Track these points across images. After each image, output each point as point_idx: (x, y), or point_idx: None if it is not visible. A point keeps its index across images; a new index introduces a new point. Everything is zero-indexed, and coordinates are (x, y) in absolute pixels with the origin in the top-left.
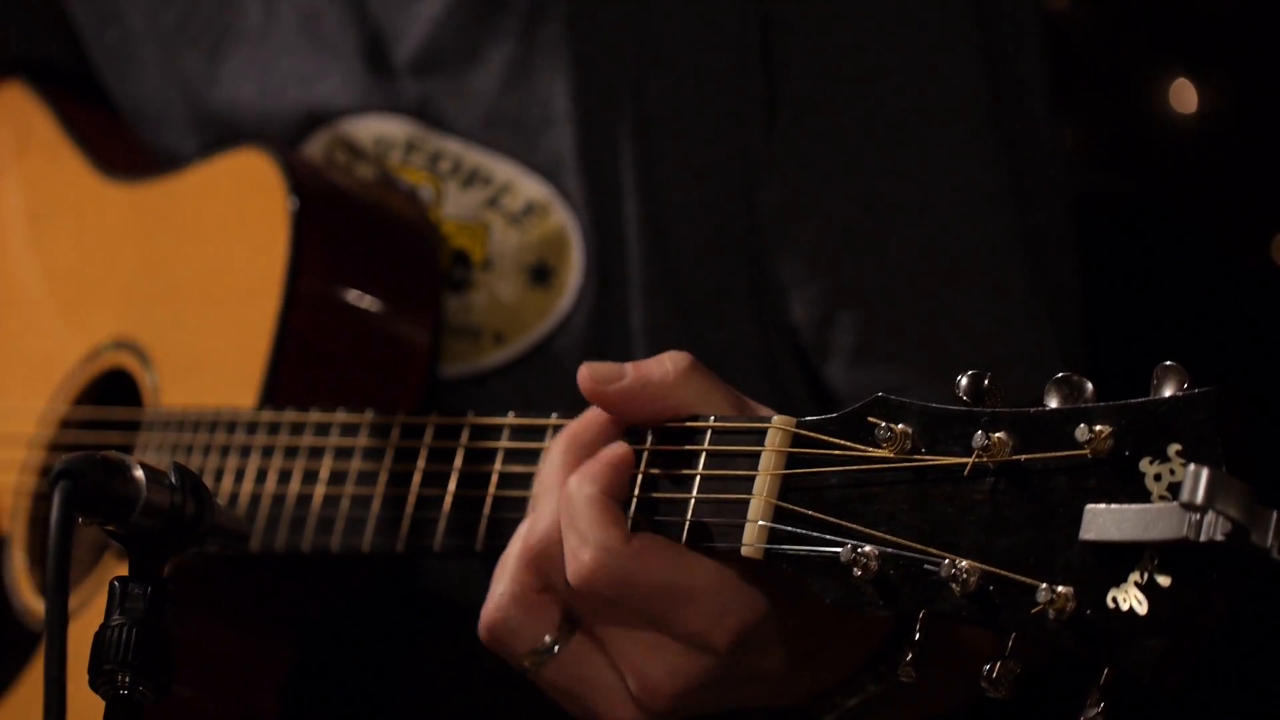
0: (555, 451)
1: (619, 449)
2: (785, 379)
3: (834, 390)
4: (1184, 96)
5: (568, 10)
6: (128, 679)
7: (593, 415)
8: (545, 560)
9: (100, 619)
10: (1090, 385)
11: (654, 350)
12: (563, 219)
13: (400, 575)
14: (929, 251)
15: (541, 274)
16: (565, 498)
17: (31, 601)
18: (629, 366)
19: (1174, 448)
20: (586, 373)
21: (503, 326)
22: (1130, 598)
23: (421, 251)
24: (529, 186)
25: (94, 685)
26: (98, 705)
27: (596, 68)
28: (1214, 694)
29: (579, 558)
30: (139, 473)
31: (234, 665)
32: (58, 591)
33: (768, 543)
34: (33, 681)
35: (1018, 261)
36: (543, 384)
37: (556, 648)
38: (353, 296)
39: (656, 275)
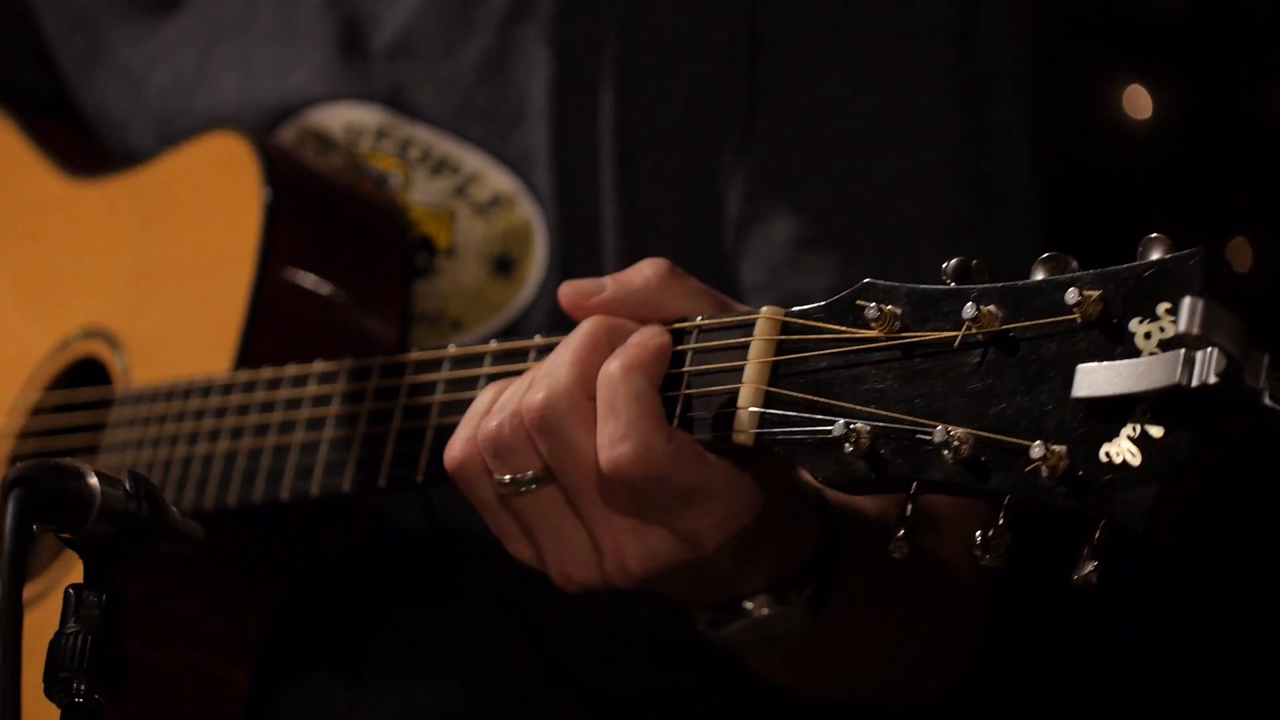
0: (585, 329)
1: (664, 338)
2: None
3: None
4: (1138, 102)
5: (551, 8)
6: (83, 687)
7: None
8: (551, 422)
9: (52, 620)
10: (1075, 261)
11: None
12: (529, 213)
13: (369, 538)
14: (889, 274)
15: (504, 265)
16: (607, 381)
17: None
18: (609, 279)
19: (1163, 306)
20: (567, 289)
21: (462, 313)
22: (1123, 450)
23: (390, 233)
24: (496, 178)
25: (49, 694)
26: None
27: (577, 66)
28: (1206, 543)
29: (617, 448)
30: (93, 479)
31: (208, 633)
32: (12, 599)
33: (759, 428)
34: None
35: None
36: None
37: (536, 485)
38: (324, 272)
39: None
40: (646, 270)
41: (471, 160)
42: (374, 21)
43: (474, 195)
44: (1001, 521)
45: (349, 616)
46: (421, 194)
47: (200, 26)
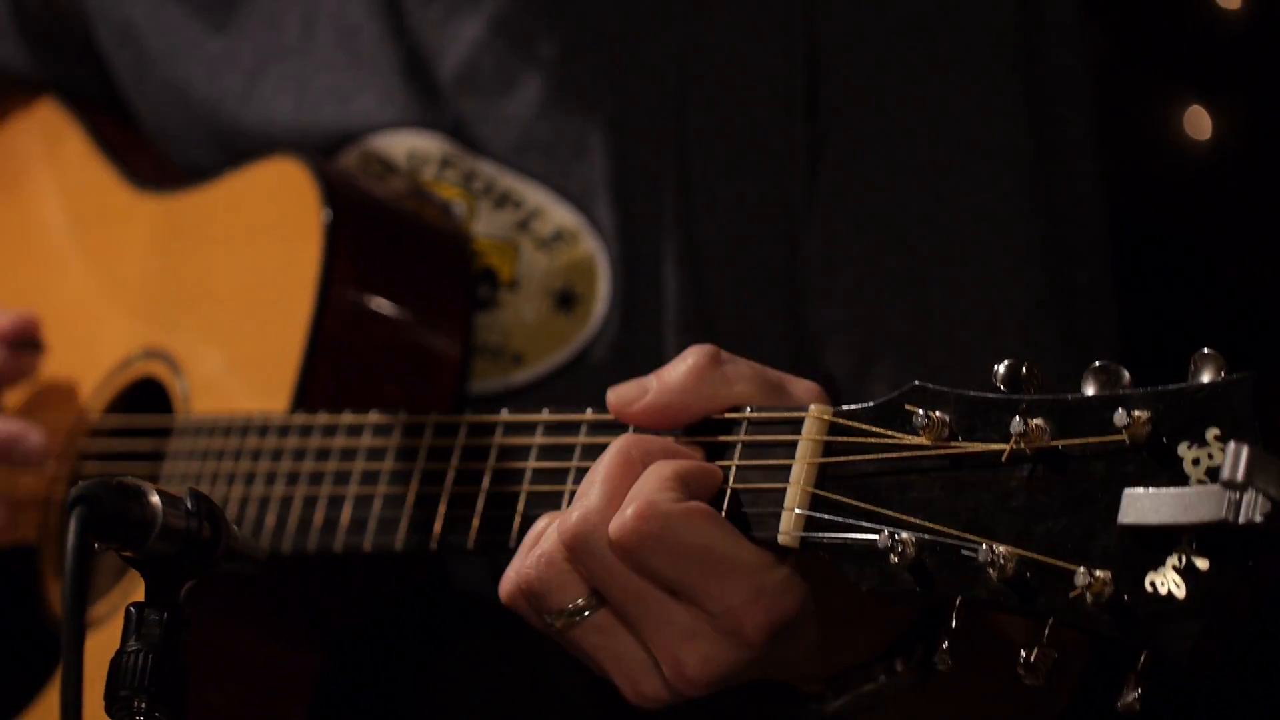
0: (615, 448)
1: (713, 469)
2: None
3: None
4: (1199, 123)
5: (608, 43)
6: (144, 705)
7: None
8: (584, 541)
9: (113, 638)
10: (1127, 373)
11: None
12: (591, 248)
13: (427, 580)
14: (965, 304)
15: (566, 300)
16: (639, 479)
17: (59, 612)
18: (652, 379)
19: (1212, 432)
20: (612, 398)
21: (523, 348)
22: (1168, 581)
23: (454, 262)
24: (559, 213)
25: (110, 712)
26: None
27: (635, 101)
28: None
29: (623, 513)
30: (155, 498)
31: (264, 672)
32: (74, 618)
33: (804, 531)
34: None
35: (1054, 317)
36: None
37: (588, 612)
38: (385, 304)
39: (691, 312)
40: (689, 361)
41: (534, 195)
42: (437, 55)
43: (537, 230)
44: (1046, 642)
45: (406, 659)
46: (485, 225)
47: (248, 48)
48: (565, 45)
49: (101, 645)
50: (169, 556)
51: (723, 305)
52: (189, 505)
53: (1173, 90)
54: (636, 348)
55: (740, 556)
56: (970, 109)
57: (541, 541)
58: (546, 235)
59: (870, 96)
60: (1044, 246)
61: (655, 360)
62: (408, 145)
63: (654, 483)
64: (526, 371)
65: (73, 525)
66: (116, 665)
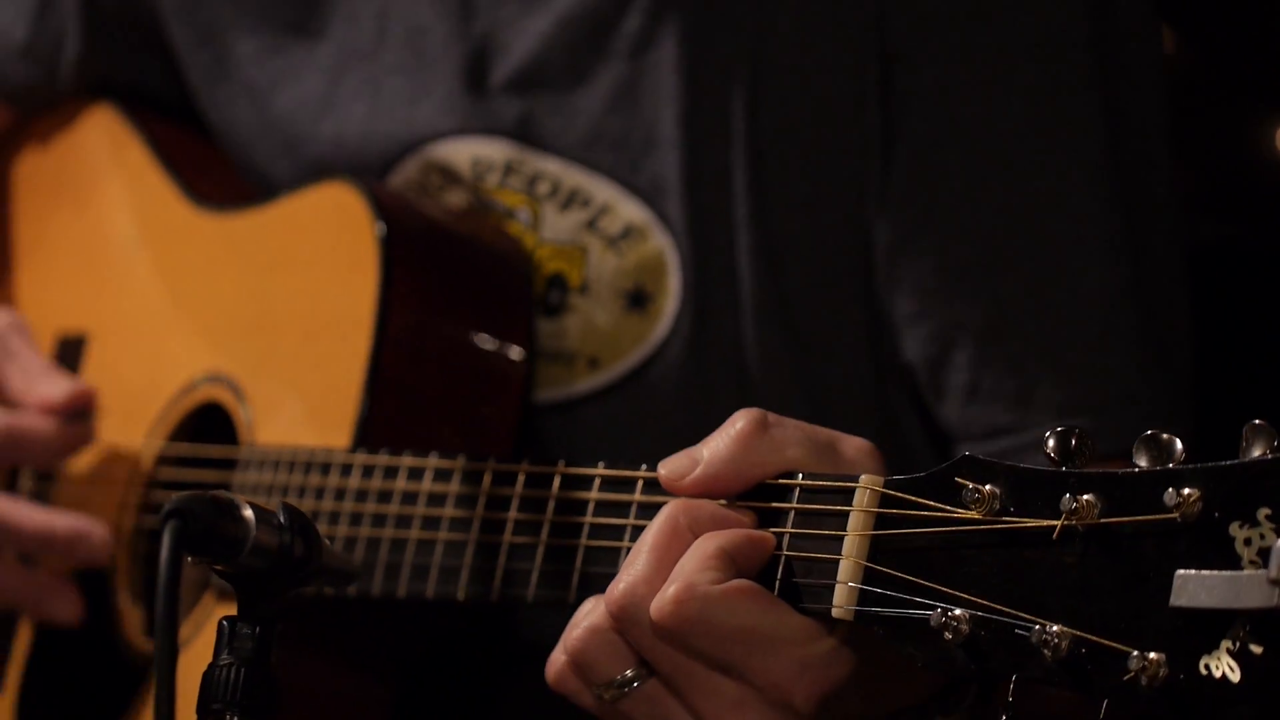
0: (662, 516)
1: (763, 537)
2: (899, 415)
3: (947, 428)
4: None
5: (679, 36)
6: (235, 718)
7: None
8: (630, 612)
9: (204, 655)
10: (1180, 444)
11: (765, 382)
12: (661, 244)
13: (495, 616)
14: (1043, 293)
15: (638, 299)
16: (684, 556)
17: (134, 637)
18: (702, 449)
19: (1264, 512)
20: (663, 472)
21: (598, 351)
22: (1223, 665)
23: (514, 282)
24: (628, 209)
25: None
26: None
27: (707, 94)
28: None
29: (664, 594)
30: (248, 512)
31: (336, 707)
32: (167, 632)
33: (858, 604)
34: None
35: (1130, 307)
36: (635, 412)
37: (637, 683)
38: (444, 330)
39: (768, 305)
40: (737, 427)
41: (602, 191)
42: (503, 51)
43: (605, 228)
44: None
45: (476, 694)
46: (551, 230)
47: (331, 52)
48: (636, 37)
49: (179, 670)
50: (261, 571)
51: (800, 298)
52: (282, 520)
53: (1266, 107)
54: (712, 344)
55: (783, 632)
56: (1044, 97)
57: (590, 614)
58: (615, 233)
59: (944, 86)
60: (1121, 237)
61: (732, 355)
62: (471, 152)
63: (696, 562)
64: (604, 374)
65: (166, 539)
66: (209, 678)
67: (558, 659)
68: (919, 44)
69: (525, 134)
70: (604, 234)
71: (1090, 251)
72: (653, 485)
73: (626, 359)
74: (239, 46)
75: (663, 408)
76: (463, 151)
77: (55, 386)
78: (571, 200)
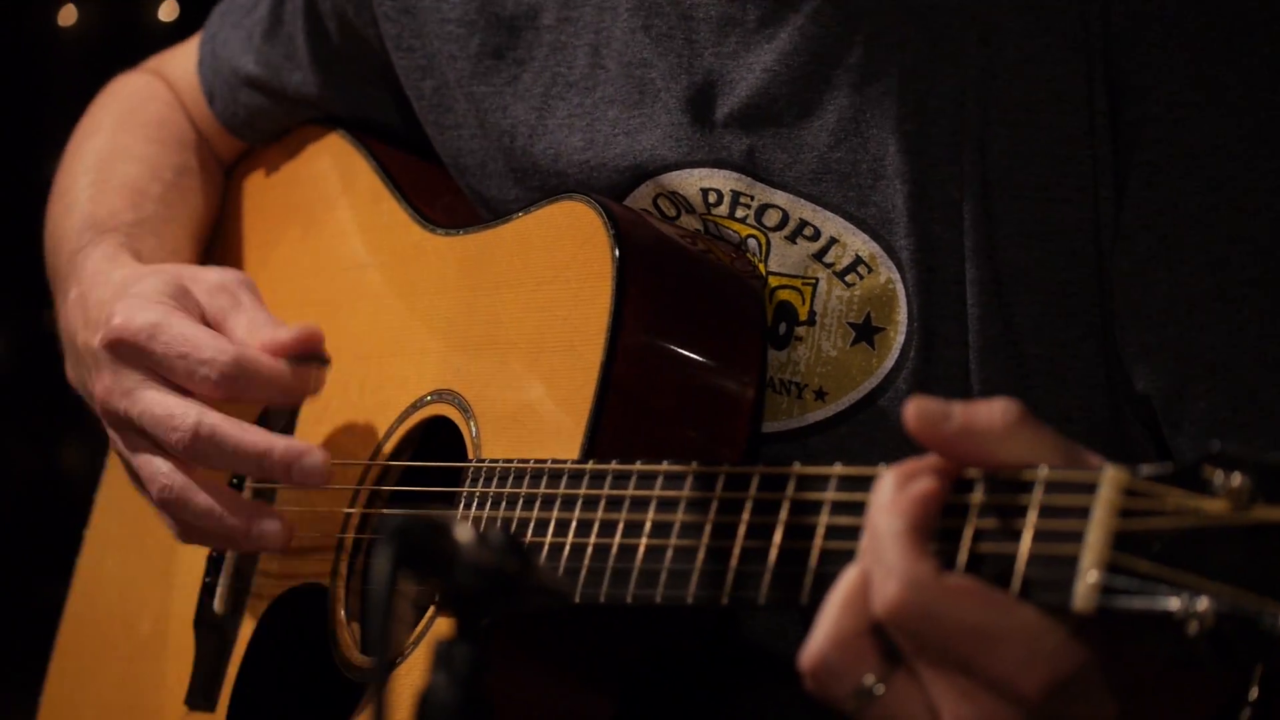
0: (879, 492)
1: (924, 485)
2: (1135, 448)
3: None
4: None
5: (902, 67)
6: None
7: (923, 460)
8: (864, 601)
9: (414, 674)
10: None
11: None
12: (890, 275)
13: (718, 626)
14: None
15: (866, 331)
16: (872, 533)
17: (350, 654)
18: (957, 409)
19: None
20: (914, 410)
21: (826, 383)
22: None
23: (747, 304)
24: (856, 242)
25: None
26: None
27: (933, 125)
28: None
29: (885, 589)
30: (464, 533)
31: (555, 716)
32: (383, 652)
33: (1100, 596)
34: None
35: None
36: (863, 441)
37: (878, 689)
38: (677, 349)
39: (997, 339)
40: (997, 411)
41: (830, 224)
42: (728, 85)
43: (834, 260)
44: None
45: (696, 710)
46: (779, 261)
47: (536, 80)
48: (863, 72)
49: (397, 683)
50: (476, 591)
51: (1028, 329)
52: (498, 541)
53: None
54: (939, 376)
55: (1007, 626)
56: (1277, 123)
57: (823, 621)
58: (844, 265)
59: (1175, 115)
60: None
61: (959, 387)
62: (699, 184)
63: (898, 550)
64: (832, 406)
65: (383, 559)
66: (425, 700)
67: (802, 667)
68: (1150, 73)
69: (752, 167)
70: (832, 266)
71: None
72: None
73: (855, 391)
74: (455, 73)
75: (890, 437)
76: (691, 182)
77: (282, 330)
78: (799, 232)
